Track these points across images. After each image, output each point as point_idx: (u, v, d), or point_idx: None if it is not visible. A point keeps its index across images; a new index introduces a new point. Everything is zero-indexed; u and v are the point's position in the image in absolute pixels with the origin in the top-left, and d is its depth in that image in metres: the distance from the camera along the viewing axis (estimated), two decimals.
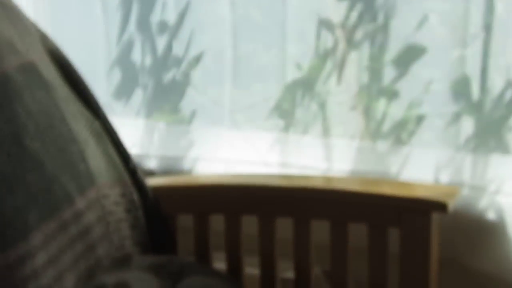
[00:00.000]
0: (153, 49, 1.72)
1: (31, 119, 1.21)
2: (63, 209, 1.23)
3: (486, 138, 1.50)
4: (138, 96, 1.76)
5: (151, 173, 1.67)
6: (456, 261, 1.49)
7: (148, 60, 1.73)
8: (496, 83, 1.48)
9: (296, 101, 1.62)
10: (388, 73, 1.55)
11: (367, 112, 1.58)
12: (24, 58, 1.27)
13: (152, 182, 1.49)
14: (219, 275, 1.37)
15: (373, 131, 1.58)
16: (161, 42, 1.71)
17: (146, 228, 1.42)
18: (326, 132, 1.61)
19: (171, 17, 1.70)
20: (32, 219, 1.15)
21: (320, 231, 1.39)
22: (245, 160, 1.66)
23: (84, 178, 1.30)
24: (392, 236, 1.33)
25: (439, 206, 1.30)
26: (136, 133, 1.76)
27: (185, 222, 1.47)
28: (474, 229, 1.49)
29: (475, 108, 1.49)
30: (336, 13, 1.57)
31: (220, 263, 1.45)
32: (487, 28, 1.47)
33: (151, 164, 1.74)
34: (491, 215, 1.49)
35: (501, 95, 1.48)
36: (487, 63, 1.48)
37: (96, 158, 1.35)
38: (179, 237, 1.47)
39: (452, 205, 1.30)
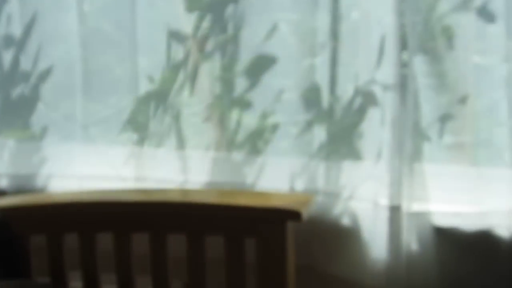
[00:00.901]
0: None
1: None
2: None
3: (338, 145, 1.53)
4: None
5: (1, 193, 1.61)
6: (313, 267, 1.51)
7: None
8: (346, 90, 1.51)
9: (149, 114, 1.60)
10: (240, 83, 1.56)
11: (222, 123, 1.58)
12: None
13: (2, 202, 1.44)
14: None
15: (228, 141, 1.58)
16: (7, 56, 1.65)
17: None
18: (181, 144, 1.59)
19: (17, 30, 1.64)
20: None
21: (178, 244, 1.37)
22: (100, 175, 1.63)
23: None
24: (249, 246, 1.34)
25: (294, 215, 1.32)
26: None
27: (38, 242, 1.42)
28: (329, 235, 1.52)
29: (326, 115, 1.52)
30: (186, 24, 1.56)
31: (76, 282, 1.42)
32: (335, 37, 1.50)
33: (1, 183, 1.68)
34: (345, 221, 1.51)
35: (351, 102, 1.51)
36: (336, 71, 1.51)
37: None
38: (33, 258, 1.42)
39: (306, 213, 1.32)
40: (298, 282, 1.36)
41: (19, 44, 1.64)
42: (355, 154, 1.51)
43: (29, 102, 1.66)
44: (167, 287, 1.38)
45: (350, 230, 1.50)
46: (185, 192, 1.56)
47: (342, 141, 1.52)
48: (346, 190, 1.52)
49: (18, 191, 1.66)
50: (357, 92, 1.50)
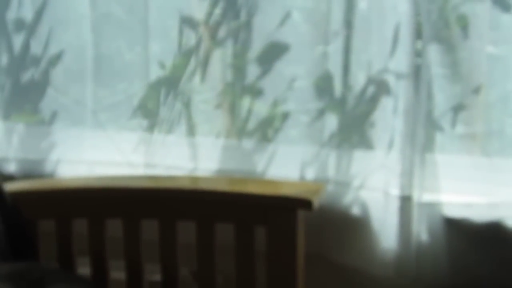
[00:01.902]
0: (10, 48, 1.65)
1: None
2: None
3: (349, 134, 1.52)
4: None
5: (10, 177, 1.61)
6: (323, 256, 1.50)
7: (4, 60, 1.66)
8: (358, 79, 1.50)
9: (160, 100, 1.59)
10: (252, 71, 1.54)
11: (232, 110, 1.57)
12: None
13: (11, 186, 1.43)
14: (83, 282, 1.33)
15: (239, 129, 1.57)
16: (18, 41, 1.64)
17: (4, 235, 1.36)
18: (191, 131, 1.59)
19: (28, 14, 1.63)
20: None
21: (187, 231, 1.37)
22: (109, 161, 1.62)
23: None
24: (259, 234, 1.33)
25: (304, 204, 1.31)
26: None
27: (47, 227, 1.42)
28: (339, 224, 1.51)
29: (338, 104, 1.51)
30: (199, 10, 1.55)
31: (84, 268, 1.41)
32: (348, 25, 1.48)
33: (10, 168, 1.67)
34: (355, 210, 1.51)
35: (363, 91, 1.50)
36: (349, 60, 1.50)
37: None
38: (41, 243, 1.42)
39: (317, 202, 1.32)
40: (308, 271, 1.35)
41: (29, 29, 1.63)
42: (366, 143, 1.50)
43: (39, 87, 1.66)
44: (176, 274, 1.38)
45: (360, 220, 1.50)
46: (195, 179, 1.55)
47: (354, 130, 1.51)
48: (356, 179, 1.50)
49: (26, 176, 1.65)
50: (370, 80, 1.49)
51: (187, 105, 1.58)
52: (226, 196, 1.37)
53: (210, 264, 1.36)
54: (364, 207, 1.50)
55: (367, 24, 1.48)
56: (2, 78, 1.67)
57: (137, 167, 1.60)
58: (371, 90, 1.50)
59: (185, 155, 1.59)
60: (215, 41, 1.56)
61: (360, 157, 1.51)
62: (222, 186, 1.45)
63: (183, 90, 1.58)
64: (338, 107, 1.51)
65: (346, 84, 1.51)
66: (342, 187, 1.51)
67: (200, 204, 1.37)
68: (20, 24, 1.64)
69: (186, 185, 1.47)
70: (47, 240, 1.41)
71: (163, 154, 1.60)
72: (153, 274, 1.42)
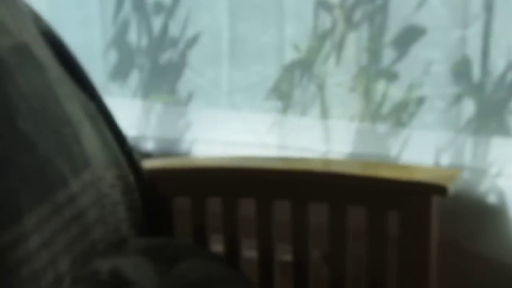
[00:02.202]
0: (149, 30, 1.69)
1: (24, 101, 1.19)
2: (57, 191, 1.21)
3: (487, 120, 1.48)
4: (135, 77, 1.74)
5: (147, 155, 1.65)
6: (457, 245, 1.48)
7: (144, 41, 1.71)
8: (498, 64, 1.46)
9: (294, 82, 1.60)
10: (387, 54, 1.53)
11: (367, 94, 1.56)
12: (16, 38, 1.25)
13: (148, 164, 1.47)
14: (216, 258, 1.35)
15: (373, 112, 1.56)
16: (157, 22, 1.69)
17: (142, 210, 1.40)
18: (324, 113, 1.59)
19: None
20: (25, 202, 1.13)
21: (319, 214, 1.37)
22: (243, 142, 1.64)
23: (78, 160, 1.28)
24: (392, 219, 1.32)
25: (439, 189, 1.29)
26: (133, 114, 1.74)
27: (182, 204, 1.45)
28: (474, 213, 1.48)
29: (476, 89, 1.47)
30: None
31: (218, 246, 1.44)
32: (488, 8, 1.44)
33: (148, 146, 1.72)
34: (492, 198, 1.47)
35: (503, 76, 1.45)
36: (488, 44, 1.46)
37: (91, 140, 1.33)
38: (176, 220, 1.45)
39: (452, 188, 1.29)
40: (442, 259, 1.33)
41: (168, 11, 1.67)
42: (505, 130, 1.46)
43: (177, 68, 1.70)
44: (307, 256, 1.38)
45: (497, 208, 1.46)
46: (327, 162, 1.55)
47: (492, 116, 1.47)
48: (494, 166, 1.47)
49: (163, 154, 1.70)
50: (510, 66, 1.44)
51: (321, 87, 1.58)
52: (359, 180, 1.36)
53: (341, 247, 1.35)
54: (501, 196, 1.46)
55: (507, 7, 1.44)
56: (141, 59, 1.72)
57: (270, 149, 1.62)
58: (510, 75, 1.45)
59: (318, 138, 1.60)
60: (350, 24, 1.55)
61: (498, 144, 1.47)
62: (355, 170, 1.44)
63: (317, 73, 1.58)
64: (476, 92, 1.48)
65: (484, 69, 1.47)
66: (479, 174, 1.47)
67: (332, 187, 1.37)
68: (159, 7, 1.68)
69: (319, 167, 1.47)
70: (182, 217, 1.45)
71: (296, 136, 1.61)
72: (285, 254, 1.43)
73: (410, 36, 1.50)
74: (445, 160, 1.50)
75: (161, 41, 1.69)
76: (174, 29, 1.68)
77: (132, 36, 1.72)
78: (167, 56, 1.70)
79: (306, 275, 1.38)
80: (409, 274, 1.31)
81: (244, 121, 1.66)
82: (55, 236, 1.18)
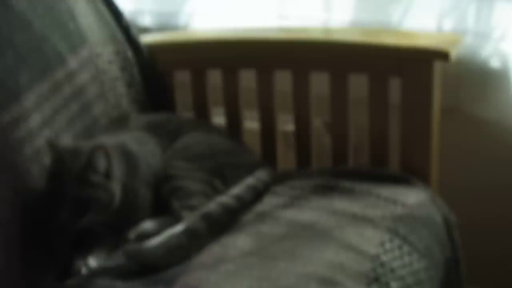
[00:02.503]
0: None
1: None
2: (55, 69, 1.20)
3: None
4: None
5: (145, 30, 1.63)
6: (459, 109, 1.47)
7: None
8: None
9: None
10: None
11: None
12: None
13: (146, 39, 1.45)
14: (218, 131, 1.36)
15: None
16: None
17: (142, 85, 1.39)
18: None
19: None
20: (23, 80, 1.13)
21: (320, 83, 1.36)
22: (242, 12, 1.61)
23: (75, 37, 1.26)
24: (393, 86, 1.31)
25: (441, 55, 1.27)
26: None
27: (182, 78, 1.44)
28: (477, 77, 1.46)
29: None
30: None
31: (219, 118, 1.44)
32: None
33: (145, 20, 1.69)
34: (494, 63, 1.45)
35: None
36: None
37: (86, 16, 1.31)
38: (177, 94, 1.45)
39: (454, 53, 1.27)
40: (444, 124, 1.33)
41: None
42: None
43: None
44: (309, 125, 1.38)
45: (500, 72, 1.44)
46: (328, 30, 1.52)
47: None
48: (497, 30, 1.44)
49: (161, 28, 1.67)
50: None
51: None
52: (360, 48, 1.34)
53: (343, 115, 1.35)
54: (504, 59, 1.44)
55: None
56: None
57: (270, 18, 1.59)
58: None
59: (318, 6, 1.56)
60: None
61: (501, 7, 1.44)
62: (356, 37, 1.41)
63: None
64: None
65: None
66: (482, 38, 1.45)
67: (333, 56, 1.35)
68: None
69: (319, 36, 1.44)
70: (182, 91, 1.44)
71: (296, 4, 1.57)
72: (286, 124, 1.43)
73: None
74: (448, 25, 1.48)
75: None
76: None
77: None
78: None
79: (308, 144, 1.39)
80: (410, 141, 1.31)
81: None
82: (55, 114, 1.18)
